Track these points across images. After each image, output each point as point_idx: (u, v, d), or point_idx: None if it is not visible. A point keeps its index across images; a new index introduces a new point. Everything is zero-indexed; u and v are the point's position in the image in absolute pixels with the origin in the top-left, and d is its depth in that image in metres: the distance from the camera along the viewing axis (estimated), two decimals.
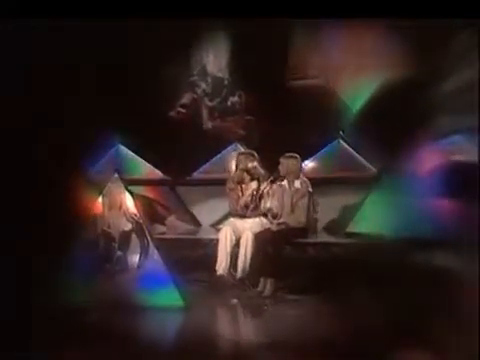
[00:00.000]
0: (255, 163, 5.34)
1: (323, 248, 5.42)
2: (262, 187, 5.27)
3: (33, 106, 5.02)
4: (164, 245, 4.87)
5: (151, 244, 4.65)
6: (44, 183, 4.81)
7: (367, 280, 4.53)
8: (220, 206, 5.96)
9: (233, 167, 5.53)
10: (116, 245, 4.70)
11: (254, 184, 5.34)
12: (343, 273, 4.85)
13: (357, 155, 6.58)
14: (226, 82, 7.02)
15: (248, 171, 5.35)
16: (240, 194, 5.33)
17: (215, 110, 7.03)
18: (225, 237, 5.09)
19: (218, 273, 5.02)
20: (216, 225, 6.24)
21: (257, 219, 5.29)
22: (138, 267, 4.65)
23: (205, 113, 7.04)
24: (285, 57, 6.71)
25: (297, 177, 5.27)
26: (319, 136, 6.50)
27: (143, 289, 4.59)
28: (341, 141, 6.69)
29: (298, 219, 5.17)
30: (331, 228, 5.95)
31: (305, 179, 5.31)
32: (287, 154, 5.32)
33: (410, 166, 5.20)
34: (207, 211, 6.45)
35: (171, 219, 6.35)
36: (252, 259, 4.98)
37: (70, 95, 5.58)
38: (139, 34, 5.84)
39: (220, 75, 7.02)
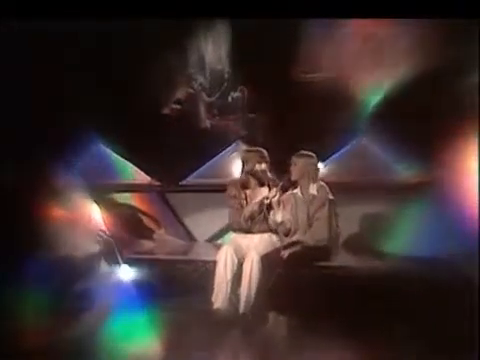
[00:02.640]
0: (264, 166, 4.73)
1: (350, 273, 4.73)
2: (271, 195, 4.62)
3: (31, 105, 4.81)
4: (143, 270, 4.38)
5: (125, 270, 4.14)
6: None
7: (406, 314, 3.98)
8: (219, 217, 5.51)
9: (238, 168, 5.00)
10: (80, 272, 4.07)
11: (263, 191, 4.72)
12: (376, 305, 4.21)
13: (384, 155, 6.03)
14: (226, 75, 6.58)
15: (255, 174, 4.73)
16: (244, 203, 4.74)
17: (214, 106, 6.61)
18: (225, 259, 4.41)
19: (215, 306, 4.36)
20: (214, 240, 5.96)
21: (265, 235, 4.63)
22: (107, 302, 4.03)
23: (202, 110, 6.57)
24: (292, 47, 6.11)
25: (314, 181, 4.75)
26: (334, 135, 6.02)
27: (114, 332, 3.92)
28: (363, 139, 6.17)
29: (317, 236, 4.64)
30: (354, 246, 5.37)
31: (323, 184, 4.78)
32: (301, 152, 4.82)
33: (452, 170, 4.62)
34: (203, 223, 6.10)
35: (160, 233, 5.97)
36: (258, 288, 4.34)
37: (53, 89, 5.15)
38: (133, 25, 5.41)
39: (219, 67, 6.57)
